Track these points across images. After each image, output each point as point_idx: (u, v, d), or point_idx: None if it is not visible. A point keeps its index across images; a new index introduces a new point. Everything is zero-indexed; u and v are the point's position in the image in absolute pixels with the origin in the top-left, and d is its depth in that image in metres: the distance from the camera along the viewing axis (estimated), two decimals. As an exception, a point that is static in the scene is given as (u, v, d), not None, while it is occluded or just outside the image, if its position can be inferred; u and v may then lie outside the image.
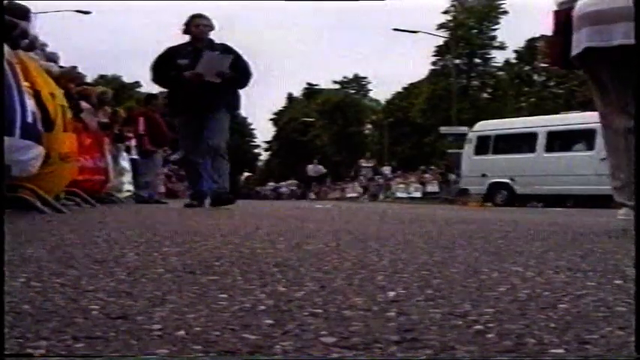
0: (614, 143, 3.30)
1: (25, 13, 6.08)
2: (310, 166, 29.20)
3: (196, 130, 6.23)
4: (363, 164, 25.62)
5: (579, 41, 3.27)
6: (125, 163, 9.56)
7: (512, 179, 14.94)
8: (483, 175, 15.48)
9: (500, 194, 15.20)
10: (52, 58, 6.79)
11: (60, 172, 4.69)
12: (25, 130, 3.80)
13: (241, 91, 6.63)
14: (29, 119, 3.87)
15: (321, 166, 29.66)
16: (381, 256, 1.83)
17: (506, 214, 7.15)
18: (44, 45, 6.58)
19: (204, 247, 2.01)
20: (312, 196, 28.45)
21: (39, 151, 4.06)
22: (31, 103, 4.00)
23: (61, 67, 6.58)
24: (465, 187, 16.19)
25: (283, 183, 39.80)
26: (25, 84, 4.16)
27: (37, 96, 4.42)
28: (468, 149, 16.25)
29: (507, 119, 19.41)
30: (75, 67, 7.38)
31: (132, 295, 1.12)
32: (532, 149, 14.86)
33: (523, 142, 15.29)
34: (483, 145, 15.88)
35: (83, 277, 1.33)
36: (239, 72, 6.31)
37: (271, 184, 42.30)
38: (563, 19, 3.40)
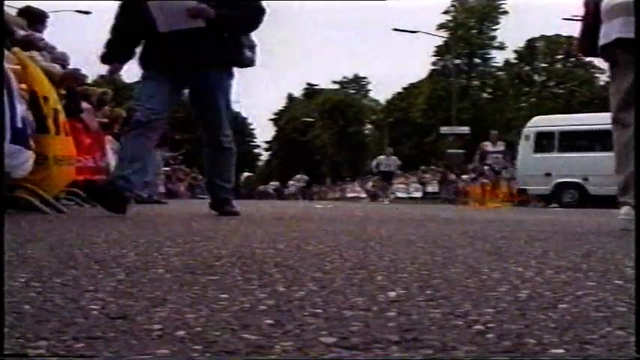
0: (624, 140, 3.30)
1: (42, 18, 6.11)
2: (382, 157, 21.24)
3: (168, 92, 4.35)
4: (490, 149, 15.23)
5: (610, 32, 3.28)
6: None
7: (585, 179, 13.95)
8: (547, 175, 14.47)
9: (570, 195, 14.28)
10: (63, 58, 6.80)
11: (56, 175, 4.69)
12: (15, 135, 3.80)
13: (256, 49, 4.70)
14: (19, 124, 3.87)
15: (395, 157, 21.28)
16: (381, 256, 1.83)
17: (505, 214, 7.15)
18: (52, 47, 6.58)
19: (204, 247, 2.01)
20: (383, 197, 20.85)
21: (28, 155, 4.07)
22: (22, 108, 4.00)
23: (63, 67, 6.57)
24: (524, 186, 14.97)
25: (291, 181, 36.97)
26: (22, 86, 4.16)
27: (34, 97, 4.42)
28: (525, 146, 15.12)
29: (571, 115, 18.20)
30: (78, 69, 7.39)
31: (132, 295, 1.12)
32: (608, 147, 13.89)
33: (596, 139, 13.97)
34: (546, 142, 14.82)
35: (83, 277, 1.33)
36: (243, 6, 4.27)
37: (274, 182, 41.52)
38: (593, 9, 3.44)
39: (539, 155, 14.77)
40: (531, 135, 15.17)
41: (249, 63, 4.61)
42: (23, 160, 3.98)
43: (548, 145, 14.91)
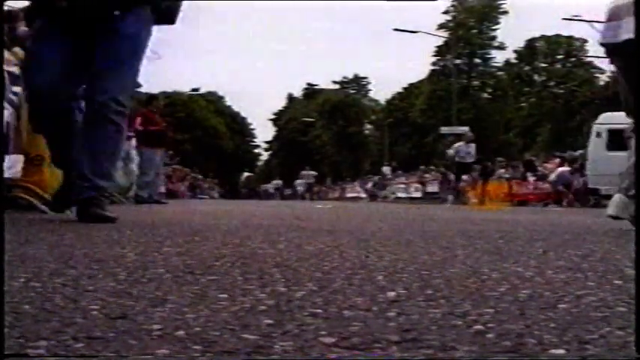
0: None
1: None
2: (460, 144, 16.36)
3: (70, 52, 3.21)
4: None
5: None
6: (134, 166, 9.58)
7: None
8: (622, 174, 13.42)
9: None
10: None
11: (50, 176, 4.69)
12: None
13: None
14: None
15: (474, 145, 16.27)
16: (381, 256, 1.83)
17: (506, 214, 7.15)
18: None
19: (204, 247, 2.01)
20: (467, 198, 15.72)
21: (17, 159, 4.08)
22: (7, 112, 3.98)
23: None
24: (595, 186, 13.91)
25: (298, 180, 34.63)
26: (16, 89, 4.15)
27: None
28: (597, 144, 14.09)
29: None
30: None
31: (132, 295, 1.12)
32: None
33: None
34: (620, 139, 13.18)
35: (83, 277, 1.33)
36: None
37: (276, 181, 40.77)
38: None
39: (613, 154, 13.06)
40: (603, 132, 14.08)
41: (169, 16, 3.52)
42: (9, 164, 3.98)
43: (623, 143, 14.26)
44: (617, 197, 3.32)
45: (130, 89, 3.40)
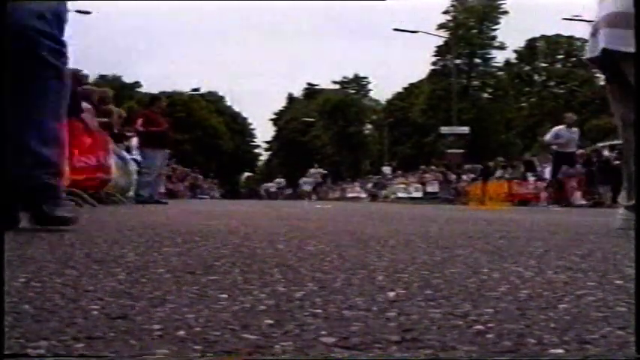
0: (628, 139, 3.33)
1: None
2: (561, 128, 13.13)
3: None
4: None
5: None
6: (133, 166, 9.60)
7: None
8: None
9: None
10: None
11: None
12: None
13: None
14: None
15: (577, 130, 13.37)
16: (381, 256, 1.83)
17: (506, 214, 7.15)
18: None
19: (204, 247, 2.01)
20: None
21: None
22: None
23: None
24: None
25: (304, 178, 32.92)
26: None
27: None
28: None
29: None
30: (79, 70, 7.39)
31: (132, 295, 1.12)
32: None
33: None
34: None
35: (83, 277, 1.33)
36: None
37: (278, 179, 40.26)
38: None
39: None
40: None
41: None
42: None
43: None
44: (623, 210, 3.32)
45: (63, 19, 2.44)
